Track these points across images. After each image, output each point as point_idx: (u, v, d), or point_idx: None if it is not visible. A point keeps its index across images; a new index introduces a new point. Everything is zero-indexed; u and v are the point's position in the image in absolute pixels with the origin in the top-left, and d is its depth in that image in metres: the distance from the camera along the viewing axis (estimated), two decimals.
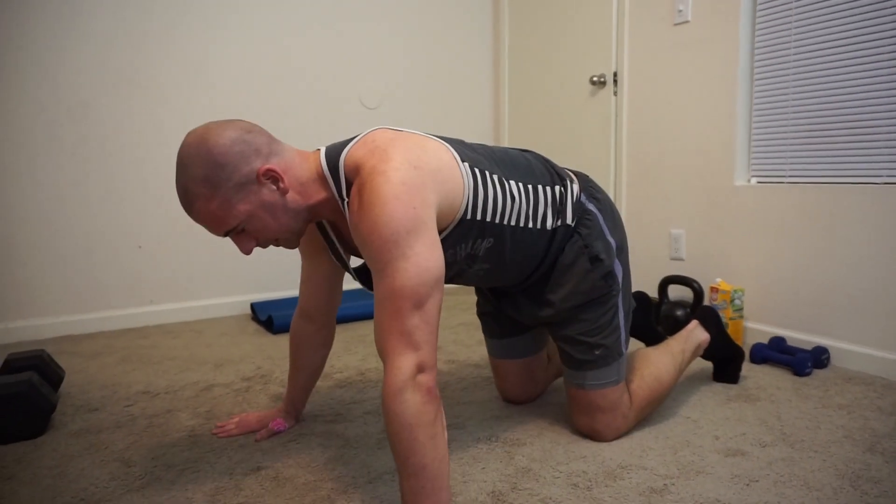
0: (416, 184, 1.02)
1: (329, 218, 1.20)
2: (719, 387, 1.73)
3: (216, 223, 1.07)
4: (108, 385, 1.83)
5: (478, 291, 1.61)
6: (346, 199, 1.09)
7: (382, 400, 0.97)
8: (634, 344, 2.01)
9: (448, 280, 1.27)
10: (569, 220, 1.32)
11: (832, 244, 1.91)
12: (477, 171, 1.17)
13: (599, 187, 1.43)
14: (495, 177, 1.20)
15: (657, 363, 1.51)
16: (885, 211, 1.77)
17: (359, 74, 2.97)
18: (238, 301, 2.76)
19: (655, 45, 2.43)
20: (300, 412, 1.52)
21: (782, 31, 2.03)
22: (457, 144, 1.21)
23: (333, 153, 1.12)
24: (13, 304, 2.34)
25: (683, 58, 2.32)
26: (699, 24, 2.25)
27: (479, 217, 1.17)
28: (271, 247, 2.81)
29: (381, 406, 0.95)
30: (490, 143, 3.39)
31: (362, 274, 1.30)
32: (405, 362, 0.96)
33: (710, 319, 1.71)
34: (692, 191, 2.33)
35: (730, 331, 2.05)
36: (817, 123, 1.96)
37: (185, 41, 2.56)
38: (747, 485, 1.19)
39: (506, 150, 1.32)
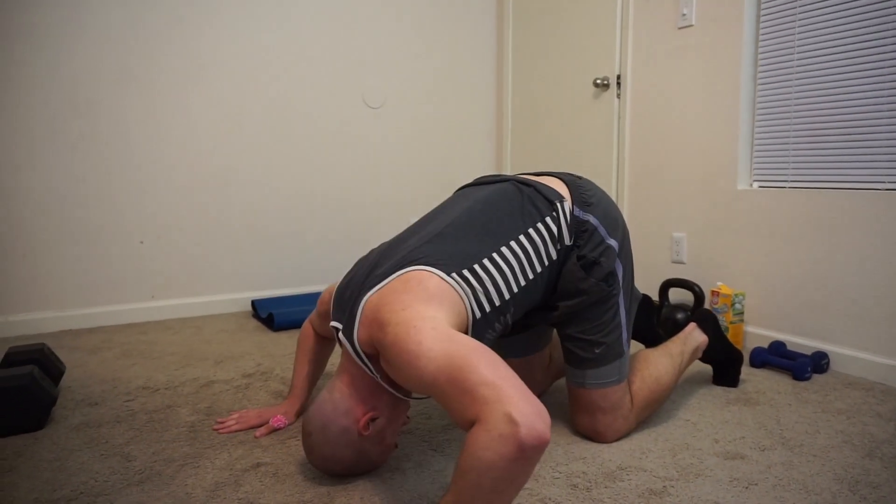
0: (435, 314, 1.08)
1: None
2: (719, 390, 1.73)
3: (382, 460, 1.26)
4: (108, 380, 1.83)
5: None
6: (380, 375, 1.16)
7: (468, 440, 0.91)
8: (635, 346, 2.01)
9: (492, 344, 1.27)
10: (567, 242, 1.31)
11: (833, 249, 1.91)
12: (465, 274, 1.16)
13: (592, 188, 1.40)
14: (486, 262, 1.20)
15: (656, 365, 1.51)
16: (886, 217, 1.78)
17: (362, 74, 2.97)
18: (239, 298, 2.76)
19: (659, 49, 2.43)
20: (301, 409, 1.53)
21: (785, 36, 2.03)
22: (435, 249, 1.19)
23: (350, 339, 1.17)
24: (14, 298, 2.35)
25: (686, 61, 2.32)
26: (703, 28, 2.25)
27: (487, 309, 1.18)
28: (272, 243, 2.81)
29: (465, 446, 0.92)
30: (492, 145, 3.40)
31: None
32: (494, 416, 0.88)
33: (708, 322, 1.72)
34: (694, 194, 2.33)
35: (730, 335, 2.06)
36: (819, 128, 1.96)
37: (188, 38, 2.56)
38: (746, 488, 1.19)
39: (482, 210, 1.29)
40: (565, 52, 2.89)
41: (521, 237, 1.26)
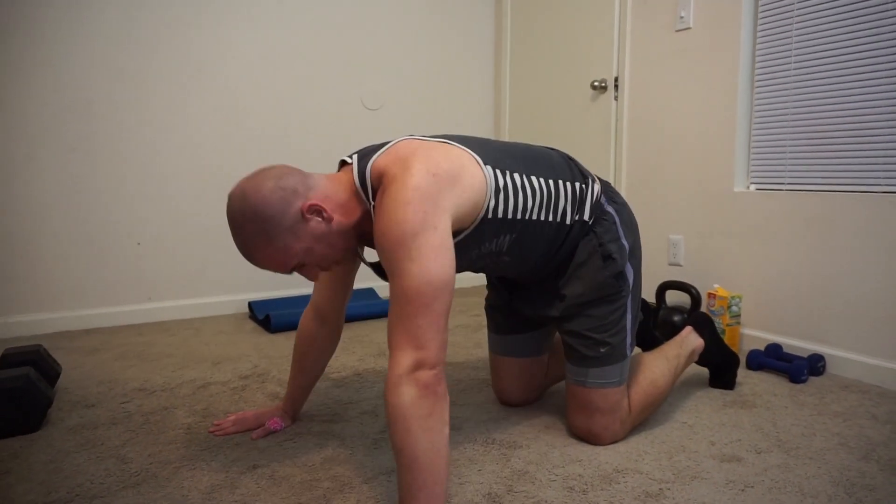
0: (431, 190, 1.07)
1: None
2: (715, 393, 1.73)
3: (280, 265, 1.15)
4: (104, 381, 1.83)
5: (490, 285, 1.62)
6: (372, 205, 1.16)
7: (384, 394, 1.00)
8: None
9: (476, 270, 1.37)
10: (586, 217, 1.35)
11: (830, 252, 1.91)
12: (499, 172, 1.22)
13: (619, 194, 1.47)
14: (517, 175, 1.25)
15: (653, 368, 1.52)
16: (882, 219, 1.78)
17: (361, 76, 2.97)
18: (236, 300, 2.76)
19: (656, 51, 2.44)
20: (298, 412, 1.52)
21: (783, 39, 2.04)
22: (480, 146, 1.24)
23: (362, 164, 1.18)
24: (11, 299, 2.34)
25: (684, 64, 2.33)
26: (700, 30, 2.26)
27: (500, 215, 1.22)
28: None
29: (385, 393, 1.00)
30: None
31: (378, 267, 1.33)
32: (405, 358, 1.00)
33: (704, 325, 1.72)
34: (691, 197, 2.33)
35: (727, 337, 2.06)
36: (817, 131, 1.97)
37: (186, 39, 2.56)
38: (742, 490, 1.19)
39: (529, 146, 1.37)
40: (563, 54, 2.90)
41: (551, 181, 1.30)
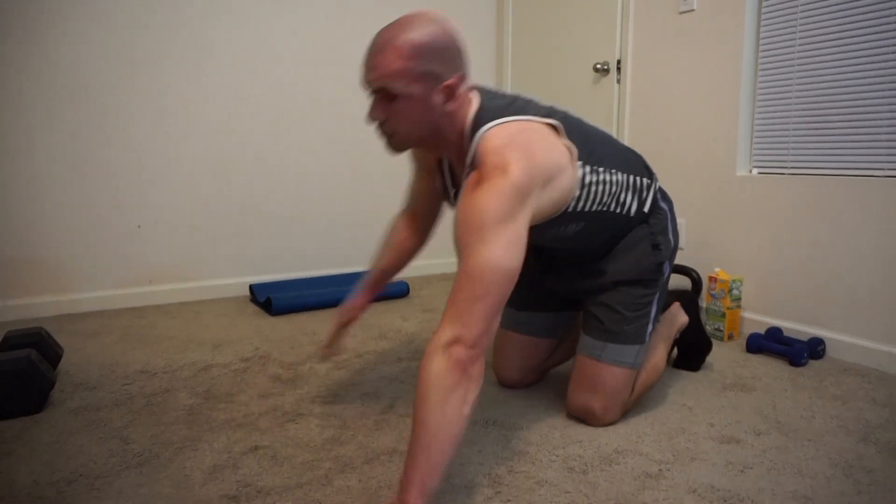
0: (524, 189, 1.09)
1: (447, 156, 1.30)
2: (715, 375, 1.74)
3: (385, 74, 1.10)
4: (106, 364, 1.83)
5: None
6: (467, 170, 1.18)
7: (423, 359, 1.04)
8: None
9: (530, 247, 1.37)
10: (646, 209, 1.42)
11: (831, 236, 1.91)
12: (588, 168, 1.27)
13: (668, 194, 1.53)
14: (601, 170, 1.30)
15: (654, 351, 1.52)
16: (884, 204, 1.77)
17: (358, 54, 2.95)
18: (237, 282, 2.75)
19: (659, 34, 2.41)
20: (373, 296, 1.57)
21: (788, 22, 2.02)
22: (582, 135, 1.28)
23: (478, 123, 1.17)
24: (12, 282, 2.34)
25: (687, 47, 2.30)
26: (704, 13, 2.23)
27: (578, 209, 1.28)
28: (270, 228, 2.80)
29: (421, 366, 1.04)
30: None
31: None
32: (446, 332, 1.03)
33: (691, 304, 1.74)
34: (693, 180, 2.32)
35: (727, 320, 2.06)
36: (820, 115, 1.95)
37: (188, 24, 2.53)
38: (741, 471, 1.20)
39: (609, 135, 1.40)
40: (565, 36, 2.87)
41: (625, 174, 1.35)
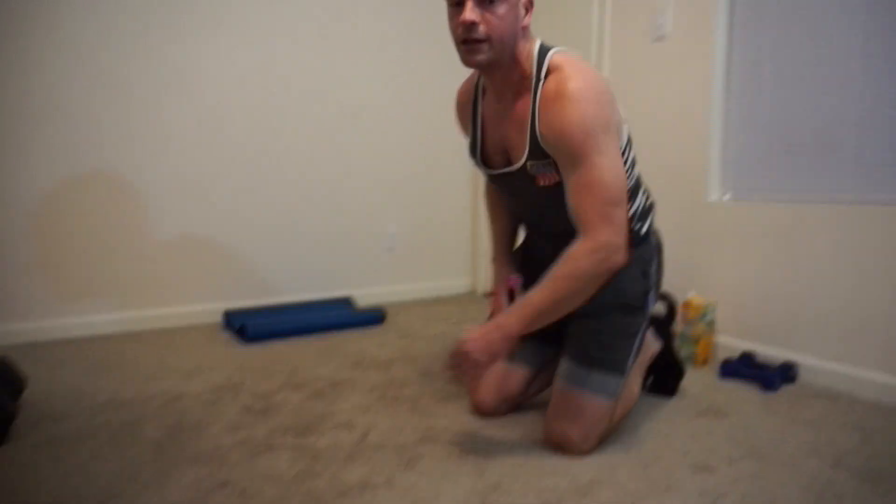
0: (609, 98, 1.21)
1: (497, 87, 1.34)
2: (689, 401, 1.75)
3: None
4: (72, 394, 1.79)
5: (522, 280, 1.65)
6: (541, 82, 1.25)
7: (573, 252, 1.20)
8: None
9: (546, 227, 1.50)
10: (643, 231, 1.46)
11: (801, 261, 1.94)
12: (626, 139, 1.41)
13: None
14: (627, 156, 1.40)
15: (630, 380, 1.52)
16: (850, 229, 1.81)
17: (341, 83, 2.96)
18: (211, 308, 2.71)
19: (633, 61, 2.46)
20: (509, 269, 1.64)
21: (758, 49, 2.07)
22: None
23: (544, 47, 1.32)
24: None
25: (660, 73, 2.35)
26: (676, 40, 2.28)
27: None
28: (246, 253, 2.77)
29: (570, 256, 1.21)
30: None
31: (491, 162, 1.45)
32: (602, 235, 1.17)
33: (665, 330, 1.76)
34: (666, 206, 2.34)
35: (701, 345, 2.08)
36: (791, 142, 2.00)
37: (167, 48, 2.53)
38: (714, 501, 1.20)
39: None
40: None
41: (638, 181, 1.48)
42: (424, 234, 3.30)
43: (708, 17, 2.16)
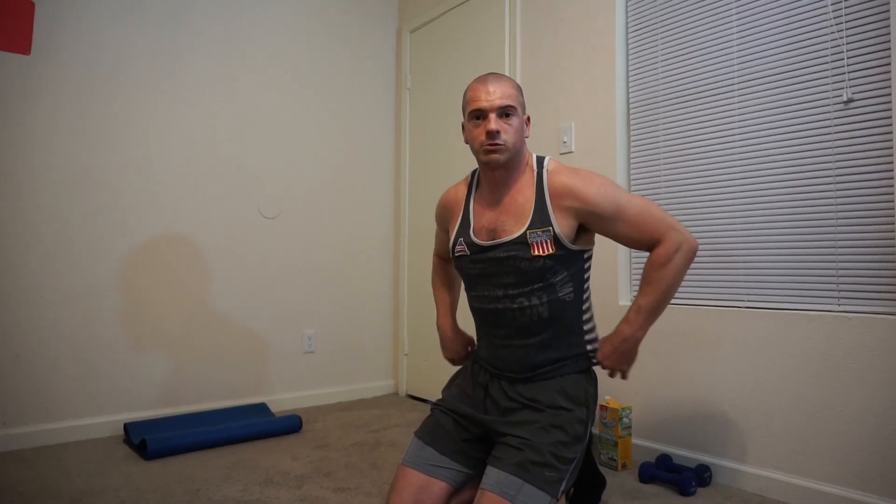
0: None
1: (498, 181, 1.56)
2: None
3: (510, 96, 1.50)
4: None
5: (468, 376, 1.64)
6: (543, 177, 1.53)
7: (660, 253, 1.45)
8: None
9: (502, 311, 1.56)
10: (588, 347, 1.56)
11: (706, 364, 2.03)
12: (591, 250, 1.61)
13: None
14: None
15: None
16: (746, 331, 1.92)
17: (258, 185, 2.96)
18: (110, 421, 2.50)
19: None
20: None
21: (653, 165, 2.25)
22: None
23: (539, 157, 1.59)
24: None
25: None
26: (581, 154, 2.45)
27: (586, 261, 1.55)
28: (150, 357, 2.60)
29: (658, 257, 1.45)
30: (390, 255, 3.44)
31: (479, 237, 1.58)
32: (676, 236, 1.45)
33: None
34: None
35: (620, 449, 2.09)
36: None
37: (77, 143, 2.46)
38: None
39: None
40: (458, 166, 3.03)
41: (589, 303, 1.62)
42: (344, 335, 3.24)
43: (608, 135, 2.34)
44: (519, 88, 1.55)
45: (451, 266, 1.89)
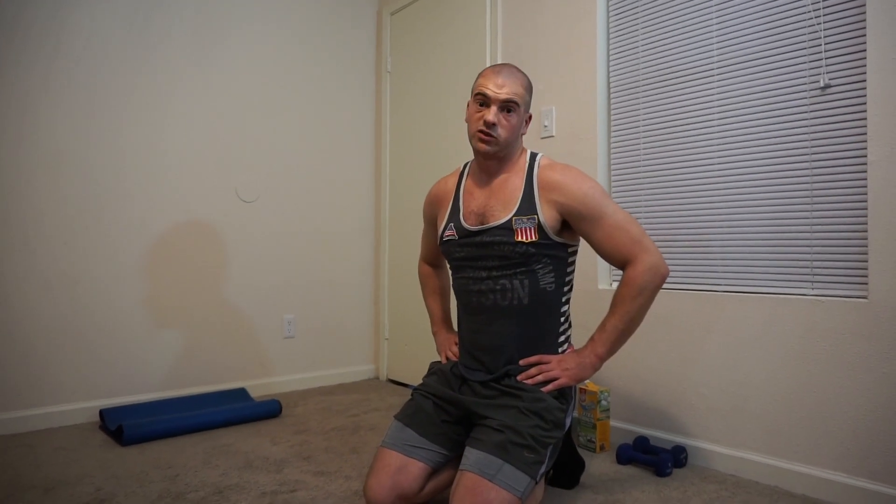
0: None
1: (490, 169, 1.62)
2: (588, 492, 1.75)
3: (516, 92, 1.54)
4: None
5: (450, 364, 1.67)
6: (535, 169, 1.58)
7: (630, 276, 1.49)
8: None
9: (484, 300, 1.60)
10: (563, 349, 1.62)
11: (683, 347, 2.05)
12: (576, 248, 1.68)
13: None
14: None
15: (537, 486, 1.51)
16: (722, 315, 1.95)
17: (236, 168, 2.92)
18: (85, 408, 2.46)
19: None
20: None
21: (633, 150, 2.25)
22: None
23: (533, 152, 1.65)
24: None
25: None
26: (562, 139, 2.44)
27: (570, 258, 1.61)
28: (127, 343, 2.56)
29: (628, 280, 1.49)
30: (370, 240, 3.42)
31: (467, 222, 1.62)
32: (650, 258, 1.48)
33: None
34: None
35: (598, 431, 2.11)
36: (668, 234, 2.15)
37: (57, 134, 2.40)
38: None
39: None
40: (438, 159, 3.01)
41: (566, 308, 1.68)
42: (324, 319, 3.22)
43: (589, 120, 2.34)
44: (529, 87, 1.58)
45: (439, 273, 1.94)
